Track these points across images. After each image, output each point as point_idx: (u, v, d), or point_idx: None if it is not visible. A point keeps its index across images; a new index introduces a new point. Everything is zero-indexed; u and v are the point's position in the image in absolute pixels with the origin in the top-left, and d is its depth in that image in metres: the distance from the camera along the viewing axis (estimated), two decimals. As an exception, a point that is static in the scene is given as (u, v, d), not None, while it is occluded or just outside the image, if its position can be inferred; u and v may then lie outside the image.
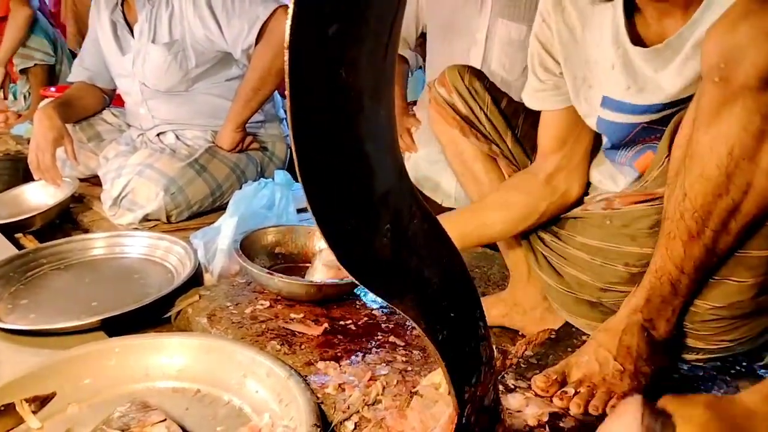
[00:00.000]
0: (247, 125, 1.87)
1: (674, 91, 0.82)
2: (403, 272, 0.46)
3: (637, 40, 0.87)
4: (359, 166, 0.40)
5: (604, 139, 1.00)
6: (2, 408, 0.87)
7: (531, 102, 1.07)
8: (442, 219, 0.91)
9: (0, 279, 1.28)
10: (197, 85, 1.83)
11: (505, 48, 1.64)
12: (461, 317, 0.56)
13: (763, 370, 0.98)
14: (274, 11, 1.67)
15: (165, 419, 0.84)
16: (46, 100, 2.08)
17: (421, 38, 2.05)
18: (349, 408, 0.89)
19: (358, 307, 1.23)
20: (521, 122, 1.13)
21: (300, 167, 0.34)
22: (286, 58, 0.32)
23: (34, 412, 0.89)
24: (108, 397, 0.94)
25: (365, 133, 0.39)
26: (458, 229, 0.98)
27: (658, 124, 0.88)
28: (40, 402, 0.91)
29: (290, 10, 0.31)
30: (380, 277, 0.44)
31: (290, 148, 2.11)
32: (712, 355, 0.90)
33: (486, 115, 1.11)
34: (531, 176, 1.05)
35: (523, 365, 0.92)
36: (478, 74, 1.13)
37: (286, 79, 0.32)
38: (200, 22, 1.69)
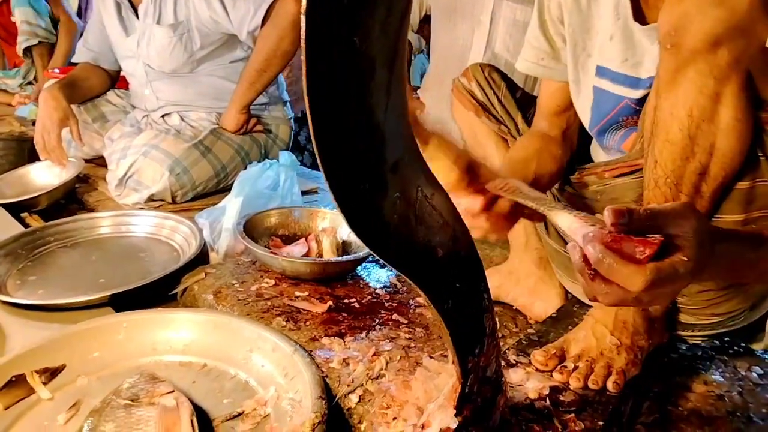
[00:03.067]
0: (251, 107, 1.88)
1: None
2: (411, 240, 0.48)
3: (638, 15, 0.88)
4: (371, 134, 0.41)
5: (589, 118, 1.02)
6: (13, 378, 0.88)
7: (534, 69, 1.09)
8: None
9: (8, 256, 1.29)
10: (202, 66, 1.83)
11: (509, 30, 1.64)
12: (466, 288, 0.57)
13: (760, 351, 1.00)
14: None
15: (173, 390, 0.86)
16: (51, 81, 2.08)
17: (425, 21, 2.05)
18: (353, 381, 0.91)
19: (361, 286, 1.24)
20: (532, 111, 1.17)
21: (314, 132, 0.36)
22: (303, 25, 0.33)
23: (44, 383, 0.91)
24: (116, 370, 0.96)
25: (377, 101, 0.41)
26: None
27: (641, 105, 0.89)
28: (51, 373, 0.93)
29: (307, -23, 0.32)
30: (389, 244, 0.45)
31: (294, 130, 2.12)
32: (708, 332, 0.91)
33: (500, 100, 1.19)
34: (548, 137, 1.07)
35: (524, 342, 0.94)
36: (497, 69, 1.22)
37: (303, 46, 0.33)
38: (206, 4, 1.69)
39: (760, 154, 0.74)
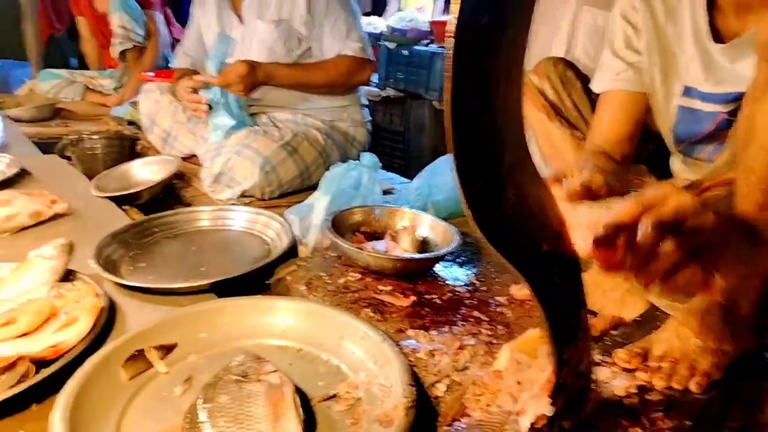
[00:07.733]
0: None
1: None
2: (520, 235, 0.52)
3: (716, 35, 0.90)
4: (493, 138, 0.46)
5: (672, 135, 1.03)
6: (136, 353, 0.99)
7: (611, 84, 1.10)
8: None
9: (121, 243, 1.42)
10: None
11: (590, 35, 1.65)
12: (565, 282, 0.61)
13: None
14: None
15: (276, 370, 0.94)
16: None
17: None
18: (439, 372, 0.96)
19: (440, 283, 1.29)
20: None
21: (453, 133, 0.41)
22: (451, 42, 0.38)
23: (160, 359, 1.01)
24: (222, 350, 1.04)
25: (499, 109, 0.46)
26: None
27: (735, 116, 0.90)
28: (165, 350, 1.03)
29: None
30: (502, 236, 0.50)
31: (371, 133, 2.20)
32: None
33: (573, 101, 1.17)
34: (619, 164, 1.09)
35: (608, 343, 0.96)
36: (571, 65, 1.22)
37: (449, 60, 0.39)
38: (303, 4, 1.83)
39: None
